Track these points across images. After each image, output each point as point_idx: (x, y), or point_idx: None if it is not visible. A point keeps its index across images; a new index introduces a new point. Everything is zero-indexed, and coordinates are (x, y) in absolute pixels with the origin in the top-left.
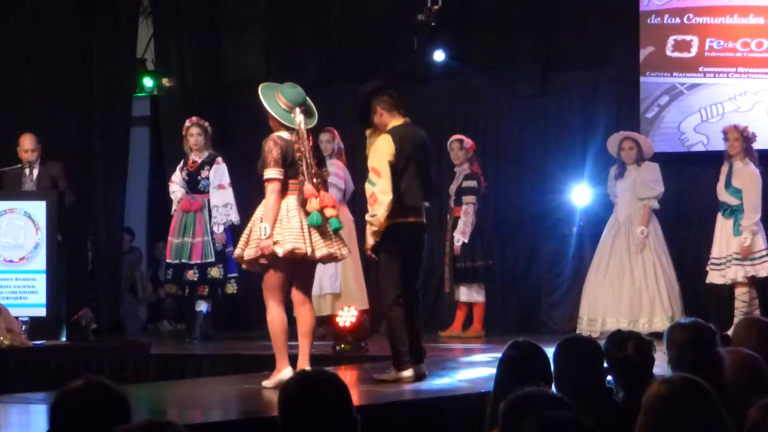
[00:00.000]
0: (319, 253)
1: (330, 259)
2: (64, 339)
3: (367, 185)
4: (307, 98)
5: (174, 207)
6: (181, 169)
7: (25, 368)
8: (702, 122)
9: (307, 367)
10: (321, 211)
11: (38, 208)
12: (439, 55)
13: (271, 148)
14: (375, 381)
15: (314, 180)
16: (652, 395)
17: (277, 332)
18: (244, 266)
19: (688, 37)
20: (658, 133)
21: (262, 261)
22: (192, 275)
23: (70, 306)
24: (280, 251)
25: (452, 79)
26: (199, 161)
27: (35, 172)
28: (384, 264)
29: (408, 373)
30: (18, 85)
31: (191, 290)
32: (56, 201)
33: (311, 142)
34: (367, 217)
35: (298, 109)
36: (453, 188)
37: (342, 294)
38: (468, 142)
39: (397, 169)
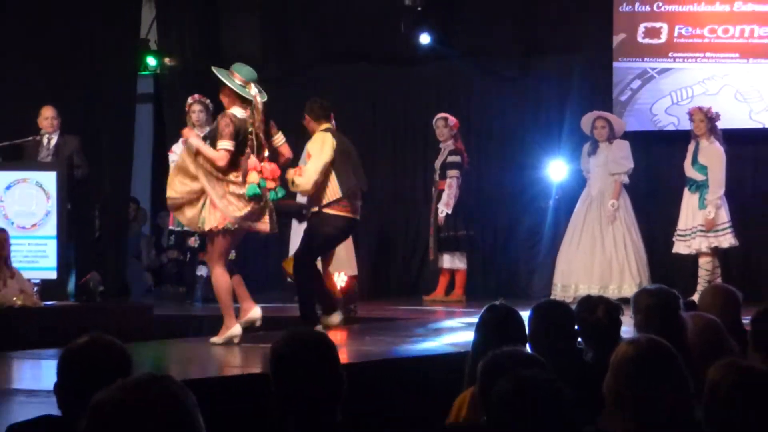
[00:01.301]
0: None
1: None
2: (72, 300)
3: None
4: (256, 77)
5: None
6: (183, 142)
7: (37, 327)
8: (673, 104)
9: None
10: (259, 183)
11: (49, 179)
12: (425, 38)
13: (228, 123)
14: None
15: (262, 153)
16: (620, 355)
17: (224, 293)
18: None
19: (658, 24)
20: (631, 114)
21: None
22: (193, 242)
23: (78, 270)
24: (230, 226)
25: (437, 61)
26: (201, 136)
27: (53, 142)
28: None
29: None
30: (29, 64)
31: (192, 256)
32: (66, 172)
33: (263, 116)
34: (295, 178)
35: (252, 84)
36: (438, 163)
37: (332, 261)
38: (452, 120)
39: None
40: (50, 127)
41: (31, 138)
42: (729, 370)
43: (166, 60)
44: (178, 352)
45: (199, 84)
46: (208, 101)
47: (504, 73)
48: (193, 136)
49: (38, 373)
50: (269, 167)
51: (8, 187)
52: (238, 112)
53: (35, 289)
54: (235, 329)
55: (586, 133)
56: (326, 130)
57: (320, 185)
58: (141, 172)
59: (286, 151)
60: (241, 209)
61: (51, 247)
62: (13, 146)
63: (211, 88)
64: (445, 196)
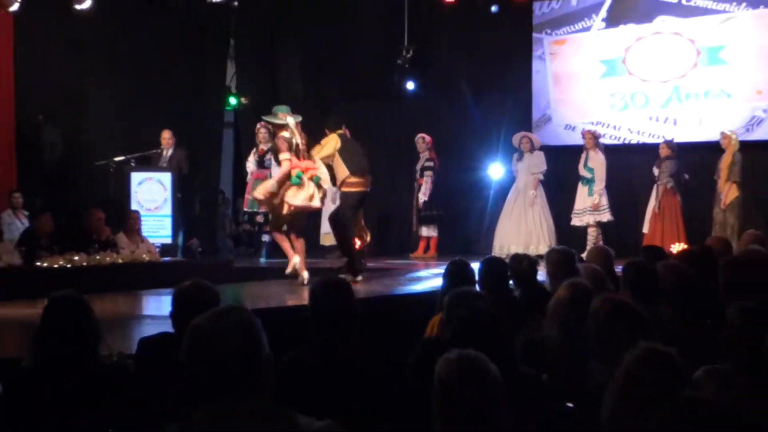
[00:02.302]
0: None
1: (307, 208)
2: (180, 257)
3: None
4: (290, 110)
5: (248, 177)
6: (254, 154)
7: (158, 274)
8: (571, 128)
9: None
10: (302, 174)
11: (166, 177)
12: (410, 85)
13: (283, 141)
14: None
15: (302, 156)
16: (560, 298)
17: (282, 243)
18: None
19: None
20: (545, 133)
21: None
22: (259, 218)
23: (185, 237)
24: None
25: (418, 99)
26: (265, 149)
27: (169, 154)
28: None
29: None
30: (155, 99)
31: (259, 227)
32: (177, 173)
33: (300, 131)
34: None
35: (287, 115)
36: (418, 166)
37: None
38: (427, 137)
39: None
40: (167, 144)
41: (154, 151)
42: (605, 302)
43: (242, 99)
44: (249, 291)
45: (263, 115)
46: (269, 126)
47: (461, 107)
48: (271, 186)
49: (159, 305)
50: (304, 164)
51: (140, 183)
52: (285, 134)
53: (157, 249)
54: (295, 259)
55: (515, 146)
56: (338, 134)
57: (335, 171)
58: (225, 173)
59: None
60: (297, 200)
61: (167, 223)
62: (143, 156)
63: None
64: (423, 188)
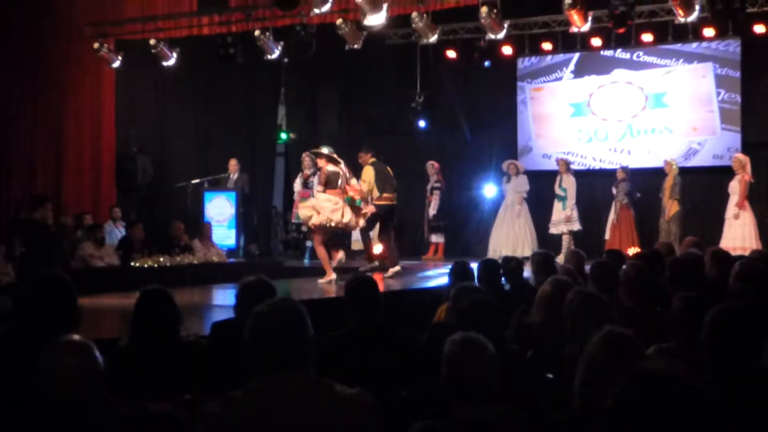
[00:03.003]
0: (347, 221)
1: (352, 225)
2: (243, 258)
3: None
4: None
5: (295, 195)
6: (300, 177)
7: (225, 273)
8: (547, 157)
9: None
10: (352, 197)
11: (232, 196)
12: (422, 123)
13: (325, 173)
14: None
15: (348, 184)
16: (544, 291)
17: (321, 256)
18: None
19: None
20: (528, 160)
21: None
22: (304, 228)
23: (246, 242)
24: (332, 220)
25: (428, 134)
26: (309, 173)
27: (234, 178)
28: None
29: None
30: (227, 135)
31: (304, 235)
32: (241, 192)
33: (345, 166)
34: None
35: (334, 155)
36: (428, 187)
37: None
38: (436, 164)
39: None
40: (233, 170)
41: (223, 175)
42: (577, 293)
43: (291, 135)
44: (297, 286)
45: (307, 147)
46: (312, 155)
47: (461, 139)
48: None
49: (225, 297)
50: (351, 189)
51: (211, 200)
52: (330, 167)
53: (224, 253)
54: (333, 275)
55: (504, 171)
56: (372, 163)
57: (370, 191)
58: (278, 192)
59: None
60: (333, 218)
61: (232, 233)
62: (214, 179)
63: (314, 148)
64: (432, 204)
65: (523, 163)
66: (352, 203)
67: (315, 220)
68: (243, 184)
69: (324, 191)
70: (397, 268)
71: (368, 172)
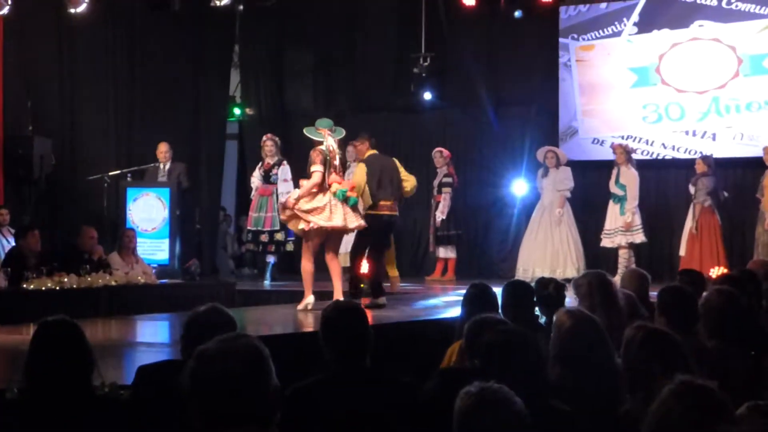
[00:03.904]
0: (338, 224)
1: (345, 229)
2: (179, 279)
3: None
4: (332, 124)
5: (253, 192)
6: (259, 168)
7: (155, 298)
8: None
9: (312, 296)
10: (342, 190)
11: (165, 193)
12: (427, 95)
13: (318, 153)
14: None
15: (338, 172)
16: (559, 322)
17: (305, 275)
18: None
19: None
20: (573, 146)
21: (304, 229)
22: (264, 238)
23: (183, 257)
24: (321, 223)
25: (436, 111)
26: (272, 163)
27: (167, 168)
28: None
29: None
30: (157, 109)
31: (263, 248)
32: (177, 188)
33: (338, 150)
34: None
35: (327, 131)
36: (436, 183)
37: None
38: (446, 152)
39: (369, 183)
40: (164, 158)
41: (152, 165)
42: (639, 329)
43: (247, 110)
44: (255, 316)
45: (271, 127)
46: (277, 138)
47: (481, 119)
48: (295, 194)
49: (155, 331)
50: (347, 181)
51: (135, 199)
52: (322, 147)
53: (153, 271)
54: (310, 299)
55: (540, 162)
56: (367, 158)
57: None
58: (228, 188)
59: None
60: (323, 219)
61: (165, 244)
62: (140, 171)
63: (279, 129)
64: (441, 206)
65: (565, 151)
66: (345, 201)
67: (308, 225)
68: (180, 176)
69: (309, 195)
70: (381, 300)
71: (359, 173)
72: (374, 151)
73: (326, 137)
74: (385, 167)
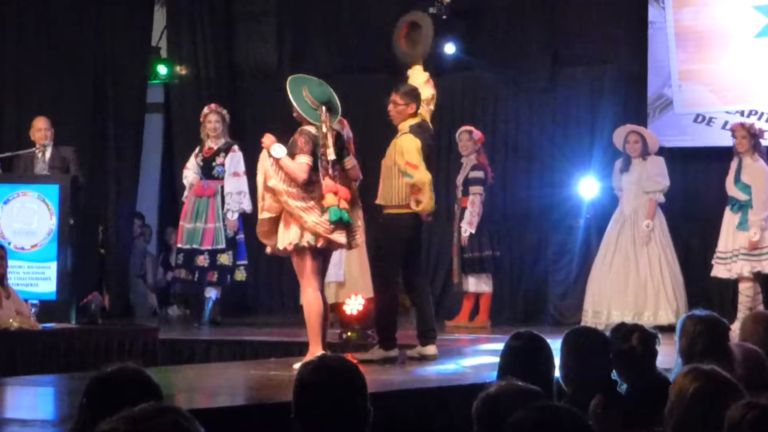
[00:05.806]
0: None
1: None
2: (73, 322)
3: (405, 179)
4: (333, 95)
5: (186, 192)
6: (196, 155)
7: (34, 351)
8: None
9: (323, 352)
10: (339, 205)
11: (52, 192)
12: (449, 48)
13: (308, 140)
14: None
15: (332, 173)
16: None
17: (314, 317)
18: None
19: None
20: (666, 125)
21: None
22: (202, 261)
23: (80, 290)
24: (314, 240)
25: (462, 71)
26: (215, 148)
27: (47, 154)
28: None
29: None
30: (31, 70)
31: (201, 276)
32: (69, 185)
33: (334, 137)
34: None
35: (324, 107)
36: (460, 179)
37: (346, 282)
38: (477, 133)
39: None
40: (43, 139)
41: (32, 150)
42: (755, 409)
43: (178, 68)
44: (185, 379)
45: (214, 94)
46: (224, 112)
47: (531, 85)
48: (277, 145)
49: (34, 402)
50: (343, 190)
51: (6, 202)
52: (312, 129)
53: (33, 310)
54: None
55: (619, 149)
56: (412, 126)
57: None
58: (148, 185)
59: (354, 175)
60: (323, 226)
61: (52, 270)
62: (10, 158)
63: (227, 98)
64: (467, 214)
65: (656, 133)
66: (339, 221)
67: (288, 239)
68: (69, 166)
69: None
70: (394, 353)
71: (412, 146)
72: (418, 119)
73: (323, 118)
74: (432, 148)
